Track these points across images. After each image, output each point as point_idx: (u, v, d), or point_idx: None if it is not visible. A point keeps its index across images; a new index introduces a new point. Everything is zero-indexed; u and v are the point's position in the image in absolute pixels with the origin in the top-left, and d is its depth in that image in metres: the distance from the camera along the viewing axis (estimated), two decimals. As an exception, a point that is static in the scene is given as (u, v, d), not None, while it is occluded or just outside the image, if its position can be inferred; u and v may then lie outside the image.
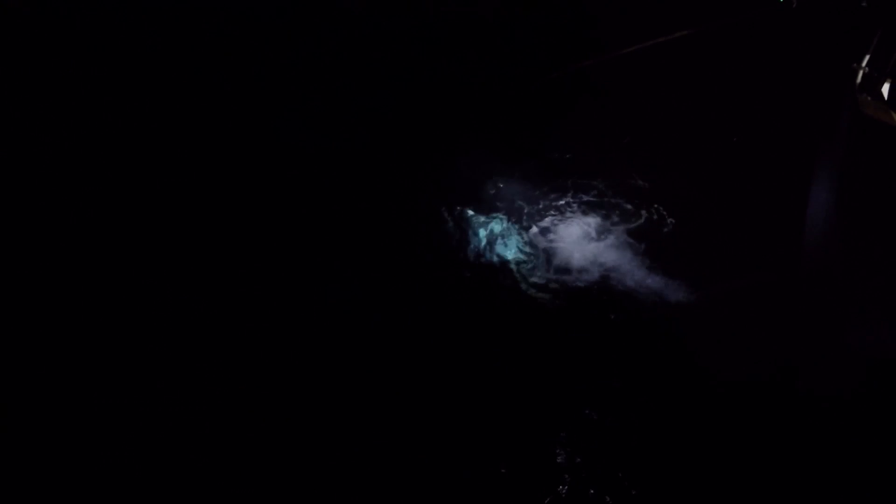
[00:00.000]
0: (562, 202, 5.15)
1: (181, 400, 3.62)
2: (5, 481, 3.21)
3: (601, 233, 4.82)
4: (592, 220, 4.94)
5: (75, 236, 4.71)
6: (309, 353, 3.95)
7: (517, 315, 4.29)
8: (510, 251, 4.75)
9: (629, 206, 5.02)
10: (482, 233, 4.92)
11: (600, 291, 4.39)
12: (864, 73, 3.77)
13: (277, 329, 4.08)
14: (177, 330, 4.03)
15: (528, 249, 4.76)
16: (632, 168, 5.30)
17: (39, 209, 4.97)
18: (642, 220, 4.88)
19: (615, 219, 4.93)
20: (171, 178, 5.46)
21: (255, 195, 5.32)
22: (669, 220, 4.85)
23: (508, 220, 5.01)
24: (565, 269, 4.58)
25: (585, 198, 5.13)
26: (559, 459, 3.37)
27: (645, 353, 3.94)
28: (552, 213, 5.07)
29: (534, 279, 4.51)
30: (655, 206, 4.97)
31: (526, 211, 5.09)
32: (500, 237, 4.89)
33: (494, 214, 5.05)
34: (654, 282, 4.33)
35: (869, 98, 3.70)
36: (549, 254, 4.71)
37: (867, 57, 3.81)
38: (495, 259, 4.72)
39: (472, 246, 4.82)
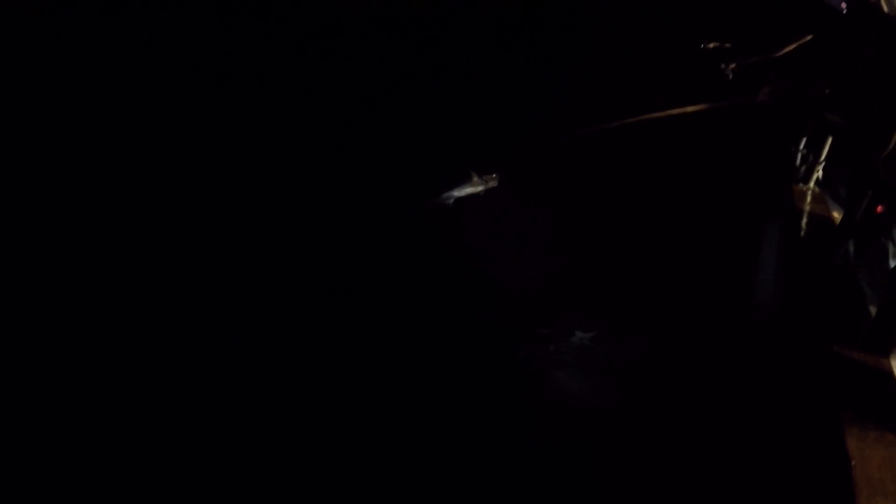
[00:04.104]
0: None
1: (178, 399, 3.63)
2: (5, 481, 3.22)
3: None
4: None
5: (74, 235, 4.73)
6: (308, 353, 3.96)
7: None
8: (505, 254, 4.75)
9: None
10: (480, 233, 4.94)
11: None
12: (800, 160, 3.76)
13: (276, 328, 4.09)
14: (174, 329, 4.04)
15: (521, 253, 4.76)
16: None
17: (38, 208, 4.99)
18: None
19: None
20: (170, 178, 5.48)
21: (255, 195, 5.33)
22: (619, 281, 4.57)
23: (505, 222, 5.02)
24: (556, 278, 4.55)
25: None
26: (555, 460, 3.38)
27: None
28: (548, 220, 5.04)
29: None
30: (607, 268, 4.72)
31: (524, 213, 5.09)
32: (496, 239, 4.90)
33: (493, 216, 5.06)
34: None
35: (804, 186, 3.71)
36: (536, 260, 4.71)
37: (803, 141, 3.78)
38: (492, 261, 4.73)
39: (470, 248, 4.83)
